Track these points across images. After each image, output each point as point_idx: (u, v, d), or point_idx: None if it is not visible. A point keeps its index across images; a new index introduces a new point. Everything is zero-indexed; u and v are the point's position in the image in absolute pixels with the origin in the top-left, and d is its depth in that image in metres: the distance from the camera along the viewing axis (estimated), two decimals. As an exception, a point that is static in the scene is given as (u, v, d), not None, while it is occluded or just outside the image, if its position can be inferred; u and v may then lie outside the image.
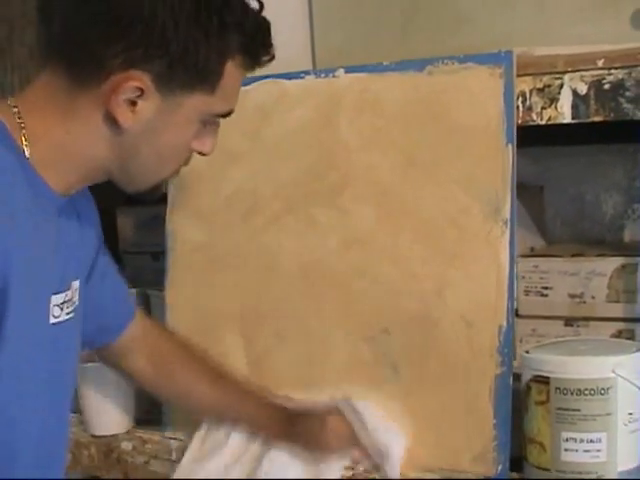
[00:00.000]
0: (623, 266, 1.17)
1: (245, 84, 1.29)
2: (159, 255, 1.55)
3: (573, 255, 1.26)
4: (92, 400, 1.35)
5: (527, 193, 1.30)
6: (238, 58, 0.89)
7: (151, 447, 1.29)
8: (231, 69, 0.89)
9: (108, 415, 1.35)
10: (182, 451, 1.24)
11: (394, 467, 1.11)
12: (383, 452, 1.11)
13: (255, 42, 0.89)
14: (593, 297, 1.20)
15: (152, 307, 1.60)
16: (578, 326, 1.22)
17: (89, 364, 1.32)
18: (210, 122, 0.92)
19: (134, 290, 1.64)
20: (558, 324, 1.25)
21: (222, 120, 0.97)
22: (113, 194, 1.54)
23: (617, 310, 1.18)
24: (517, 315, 1.22)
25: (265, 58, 0.92)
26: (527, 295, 1.25)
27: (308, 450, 1.12)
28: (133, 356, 1.16)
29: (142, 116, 0.85)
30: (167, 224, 1.32)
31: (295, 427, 1.13)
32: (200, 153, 0.94)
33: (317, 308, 1.21)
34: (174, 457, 1.26)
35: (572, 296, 1.23)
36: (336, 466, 1.12)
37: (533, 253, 1.33)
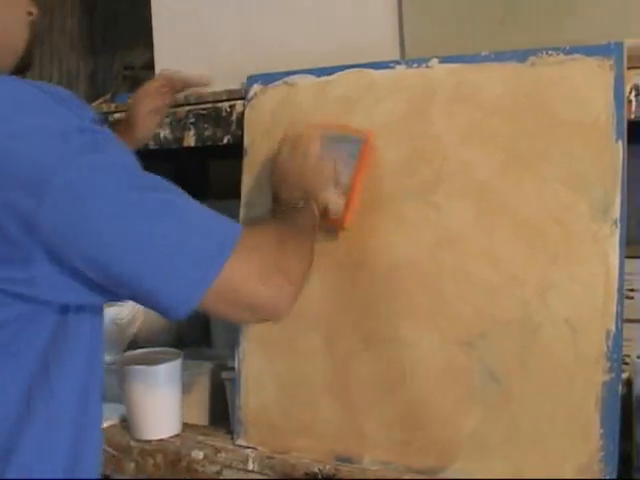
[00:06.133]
0: None
1: (327, 73, 1.24)
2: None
3: (660, 256, 1.21)
4: (139, 403, 1.28)
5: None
6: None
7: (224, 456, 1.22)
8: None
9: (156, 418, 1.29)
10: (260, 461, 1.18)
11: None
12: None
13: None
14: (680, 300, 1.15)
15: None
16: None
17: (136, 366, 1.27)
18: None
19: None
20: (645, 328, 1.21)
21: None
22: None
23: None
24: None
25: None
26: (612, 297, 1.19)
27: None
28: None
29: None
30: (241, 220, 1.25)
31: None
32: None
33: (407, 311, 1.13)
34: (250, 467, 1.19)
35: (659, 299, 1.19)
36: None
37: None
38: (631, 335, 1.22)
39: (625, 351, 1.15)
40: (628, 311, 1.22)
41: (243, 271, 0.82)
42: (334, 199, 1.10)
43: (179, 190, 0.84)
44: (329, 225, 1.13)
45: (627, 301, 1.22)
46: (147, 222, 0.79)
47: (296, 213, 1.03)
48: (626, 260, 1.23)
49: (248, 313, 0.87)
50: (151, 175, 0.83)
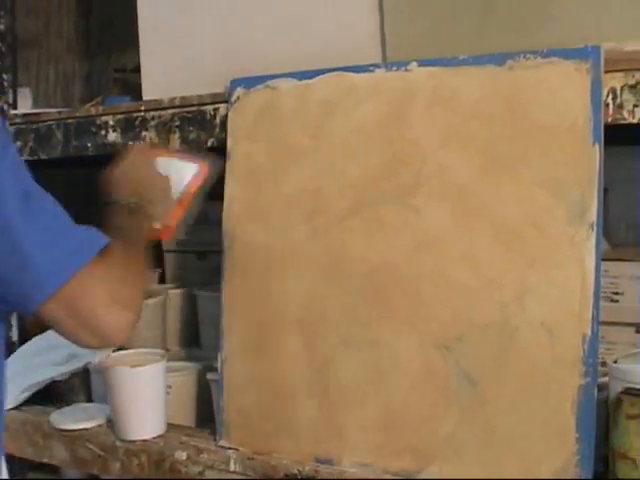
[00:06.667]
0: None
1: (308, 77, 1.24)
2: (205, 254, 1.51)
3: (646, 259, 1.21)
4: (123, 404, 1.30)
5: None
6: None
7: (207, 457, 1.23)
8: None
9: (140, 419, 1.31)
10: (241, 462, 1.19)
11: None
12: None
13: None
14: (667, 304, 1.15)
15: (199, 308, 1.56)
16: (651, 334, 1.17)
17: (120, 367, 1.28)
18: None
19: (179, 291, 1.59)
20: (629, 331, 1.21)
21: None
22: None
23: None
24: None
25: None
26: (596, 300, 1.19)
27: None
28: None
29: None
30: (223, 223, 1.26)
31: None
32: None
33: (386, 314, 1.13)
34: (232, 468, 1.20)
35: (644, 302, 1.19)
36: None
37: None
38: (615, 338, 1.22)
39: (610, 354, 1.15)
40: (613, 314, 1.22)
41: (89, 289, 0.89)
42: (164, 211, 1.16)
43: (52, 201, 0.91)
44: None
45: (612, 304, 1.22)
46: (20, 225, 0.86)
47: (134, 228, 1.07)
48: (611, 263, 1.23)
49: (87, 332, 0.91)
50: (33, 185, 0.89)
